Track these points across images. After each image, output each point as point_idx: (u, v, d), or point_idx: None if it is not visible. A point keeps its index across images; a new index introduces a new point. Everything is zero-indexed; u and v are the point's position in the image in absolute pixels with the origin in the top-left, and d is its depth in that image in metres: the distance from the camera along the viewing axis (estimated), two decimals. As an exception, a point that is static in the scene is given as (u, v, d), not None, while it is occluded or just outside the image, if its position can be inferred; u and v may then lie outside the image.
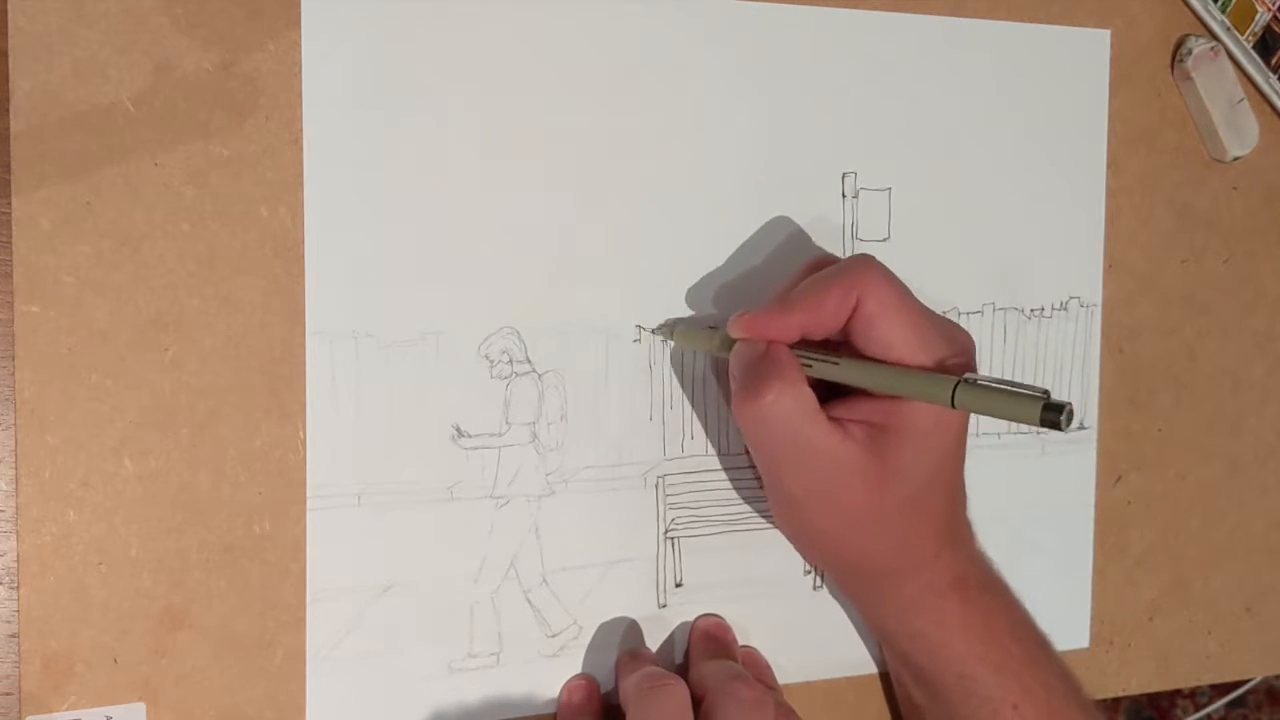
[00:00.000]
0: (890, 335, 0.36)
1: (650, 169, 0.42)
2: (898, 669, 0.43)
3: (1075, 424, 0.49)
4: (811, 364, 0.37)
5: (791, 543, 0.42)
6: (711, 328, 0.42)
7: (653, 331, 0.42)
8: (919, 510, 0.38)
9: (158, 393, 0.37)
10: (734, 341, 0.39)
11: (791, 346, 0.38)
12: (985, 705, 0.39)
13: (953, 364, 0.36)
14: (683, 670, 0.43)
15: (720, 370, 0.43)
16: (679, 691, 0.37)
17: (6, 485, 0.36)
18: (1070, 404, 0.31)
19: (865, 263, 0.37)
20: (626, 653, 0.42)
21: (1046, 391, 0.31)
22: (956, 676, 0.39)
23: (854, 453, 0.36)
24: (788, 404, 0.36)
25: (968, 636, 0.39)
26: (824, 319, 0.37)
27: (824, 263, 0.39)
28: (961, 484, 0.40)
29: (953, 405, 0.33)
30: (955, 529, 0.40)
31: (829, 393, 0.38)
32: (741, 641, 0.44)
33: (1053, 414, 0.31)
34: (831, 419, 0.37)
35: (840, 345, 0.38)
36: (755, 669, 0.42)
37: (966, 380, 0.33)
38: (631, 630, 0.43)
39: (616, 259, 0.42)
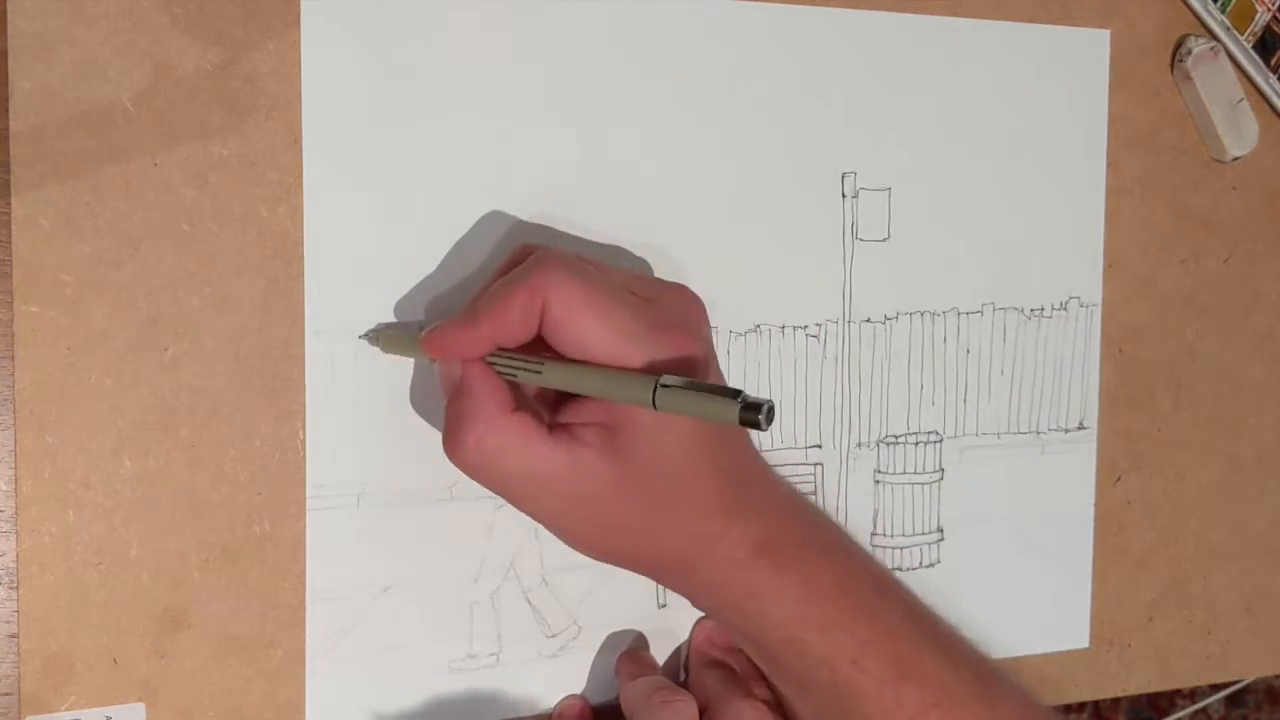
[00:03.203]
0: (583, 336, 0.33)
1: (650, 169, 0.42)
2: (751, 654, 0.41)
3: (1076, 423, 0.49)
4: (515, 373, 0.35)
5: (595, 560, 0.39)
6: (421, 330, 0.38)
7: (362, 337, 0.39)
8: (681, 495, 0.35)
9: (157, 393, 0.37)
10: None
11: (495, 356, 0.35)
12: (820, 666, 0.37)
13: (662, 350, 0.34)
14: (682, 673, 0.43)
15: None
16: (688, 710, 0.37)
17: (6, 485, 0.36)
18: (770, 402, 0.29)
19: (545, 262, 0.34)
20: (627, 654, 0.42)
21: (739, 391, 0.30)
22: (785, 642, 0.38)
23: (588, 460, 0.34)
24: (493, 442, 0.34)
25: (784, 600, 0.37)
26: (512, 329, 0.34)
27: (524, 254, 0.36)
28: (736, 451, 0.38)
29: (654, 407, 0.31)
30: (739, 498, 0.37)
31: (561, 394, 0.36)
32: (741, 641, 0.44)
33: (751, 413, 0.29)
34: (559, 425, 0.35)
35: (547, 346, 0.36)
36: (756, 677, 0.42)
37: (664, 384, 0.31)
38: (631, 630, 0.43)
39: (616, 259, 0.42)
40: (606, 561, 0.38)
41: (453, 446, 0.35)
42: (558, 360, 0.35)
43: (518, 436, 0.34)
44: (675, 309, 0.36)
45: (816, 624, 0.37)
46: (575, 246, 0.41)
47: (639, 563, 0.38)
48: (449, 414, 0.35)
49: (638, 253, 0.42)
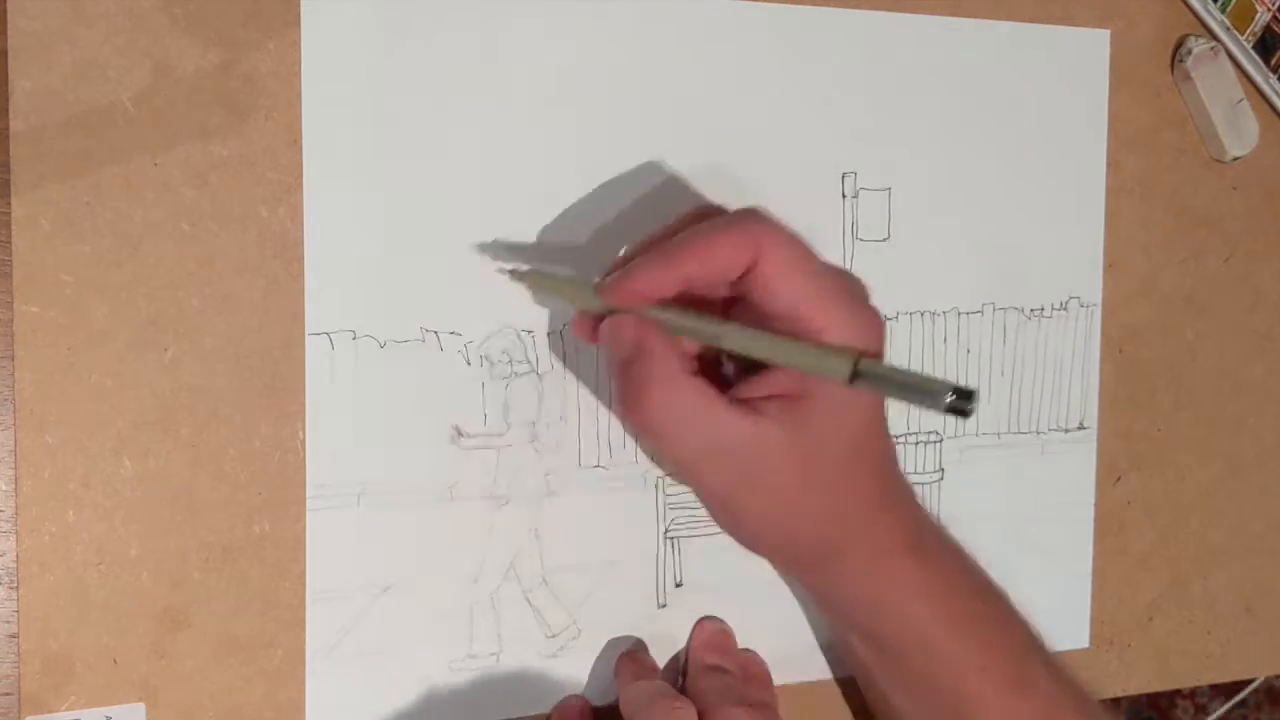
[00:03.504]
0: (795, 296, 0.33)
1: (650, 169, 0.42)
2: (856, 649, 0.41)
3: (1076, 423, 0.49)
4: (697, 333, 0.34)
5: (732, 537, 0.38)
6: (587, 282, 0.36)
7: (508, 273, 0.38)
8: (851, 477, 0.35)
9: (157, 393, 0.37)
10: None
11: (670, 313, 0.34)
12: (948, 667, 0.37)
13: (860, 321, 0.33)
14: (680, 677, 0.43)
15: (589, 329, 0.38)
16: (689, 718, 0.37)
17: (6, 485, 0.36)
18: (977, 390, 0.29)
19: (766, 217, 0.34)
20: (627, 655, 0.42)
21: (950, 384, 0.29)
22: (917, 641, 0.37)
23: (770, 432, 0.33)
24: (679, 402, 0.33)
25: (928, 597, 0.37)
26: (713, 272, 0.33)
27: (703, 214, 0.36)
28: (891, 443, 0.38)
29: (849, 384, 0.31)
30: (893, 490, 0.38)
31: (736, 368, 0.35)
32: (741, 642, 0.44)
33: (964, 401, 0.29)
34: (736, 400, 0.34)
35: (726, 304, 0.35)
36: (755, 681, 0.42)
37: (864, 365, 0.31)
38: (631, 630, 0.43)
39: (615, 258, 0.42)
40: (760, 547, 0.37)
41: (634, 406, 0.33)
42: (741, 325, 0.33)
43: (703, 398, 0.33)
44: (856, 282, 0.36)
45: (950, 625, 0.37)
46: (576, 245, 0.41)
47: (790, 549, 0.37)
48: (624, 376, 0.34)
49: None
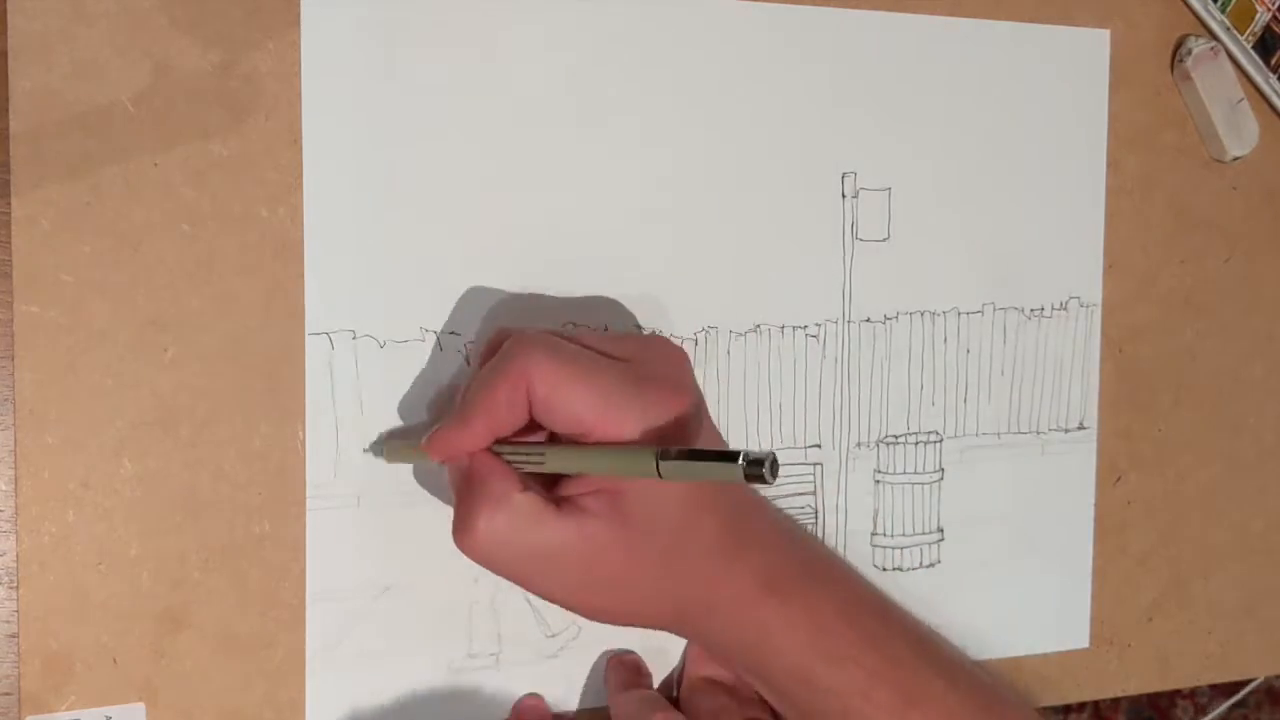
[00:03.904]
0: (573, 411, 0.34)
1: (650, 169, 0.42)
2: (760, 690, 0.41)
3: (1076, 423, 0.49)
4: (522, 465, 0.35)
5: (610, 624, 0.39)
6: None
7: (366, 450, 0.39)
8: (687, 541, 0.36)
9: (157, 393, 0.37)
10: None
11: (496, 445, 0.36)
12: (830, 699, 0.38)
13: (652, 408, 0.34)
14: (675, 689, 0.43)
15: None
16: None
17: (6, 485, 0.36)
18: (772, 454, 0.30)
19: (521, 347, 0.35)
20: (616, 660, 0.42)
21: (739, 453, 0.30)
22: (796, 679, 0.38)
23: (594, 528, 0.34)
24: (503, 522, 0.34)
25: (793, 634, 0.37)
26: (504, 419, 0.35)
27: (499, 339, 0.37)
28: (731, 490, 0.38)
29: (659, 477, 0.32)
30: (740, 536, 0.38)
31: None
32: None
33: (756, 469, 0.30)
34: (564, 499, 0.35)
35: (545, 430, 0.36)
36: (750, 704, 0.41)
37: (664, 456, 0.31)
38: (631, 630, 0.43)
39: (616, 259, 0.42)
40: (625, 624, 0.38)
41: (463, 534, 0.34)
42: (558, 445, 0.35)
43: (528, 514, 0.34)
44: (657, 362, 0.36)
45: (825, 657, 0.38)
46: (575, 246, 0.41)
47: (657, 618, 0.38)
48: (458, 505, 0.35)
49: (637, 252, 0.42)
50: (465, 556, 0.35)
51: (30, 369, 0.36)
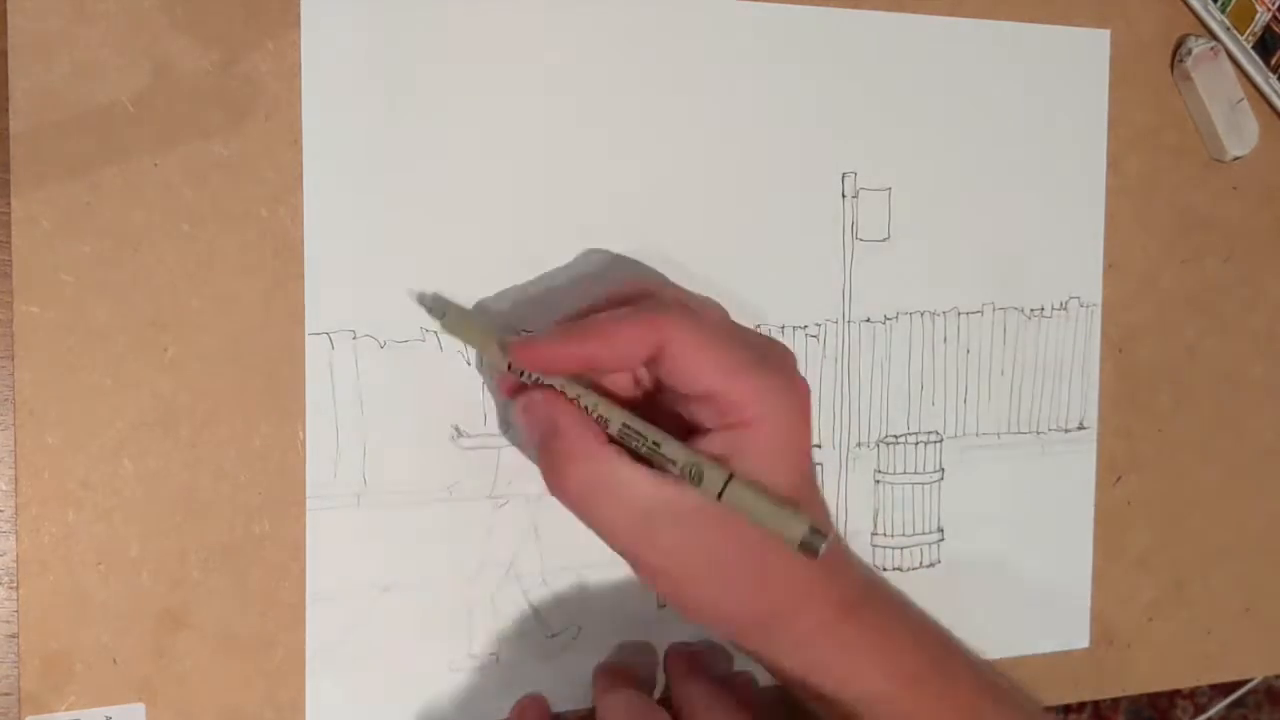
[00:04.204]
0: (700, 367, 0.34)
1: (650, 169, 0.42)
2: (813, 710, 0.41)
3: (1076, 423, 0.49)
4: (604, 422, 0.35)
5: (674, 607, 0.38)
6: (501, 336, 0.37)
7: (424, 305, 0.39)
8: (780, 551, 0.35)
9: (157, 393, 0.37)
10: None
11: (578, 389, 0.36)
12: None
13: (770, 398, 0.34)
14: (660, 681, 0.43)
15: (496, 387, 0.40)
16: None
17: (6, 485, 0.36)
18: (835, 533, 0.31)
19: (664, 302, 0.35)
20: (603, 669, 0.42)
21: (808, 520, 0.32)
22: (867, 703, 0.38)
23: (695, 498, 0.34)
24: (600, 480, 0.34)
25: (872, 658, 0.38)
26: (616, 352, 0.35)
27: (634, 290, 0.37)
28: (822, 504, 0.38)
29: (717, 498, 0.33)
30: (829, 554, 0.38)
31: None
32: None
33: (816, 538, 0.32)
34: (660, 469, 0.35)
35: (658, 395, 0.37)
36: (739, 689, 0.41)
37: (733, 483, 0.33)
38: (631, 630, 0.43)
39: (616, 259, 0.42)
40: (702, 615, 0.37)
41: (557, 484, 0.35)
42: (641, 420, 0.35)
43: (623, 469, 0.34)
44: (775, 349, 0.37)
45: (900, 681, 0.38)
46: (575, 245, 0.41)
47: (735, 617, 0.37)
48: (544, 454, 0.35)
49: (638, 252, 0.42)
50: (563, 504, 0.35)
51: (30, 369, 0.36)
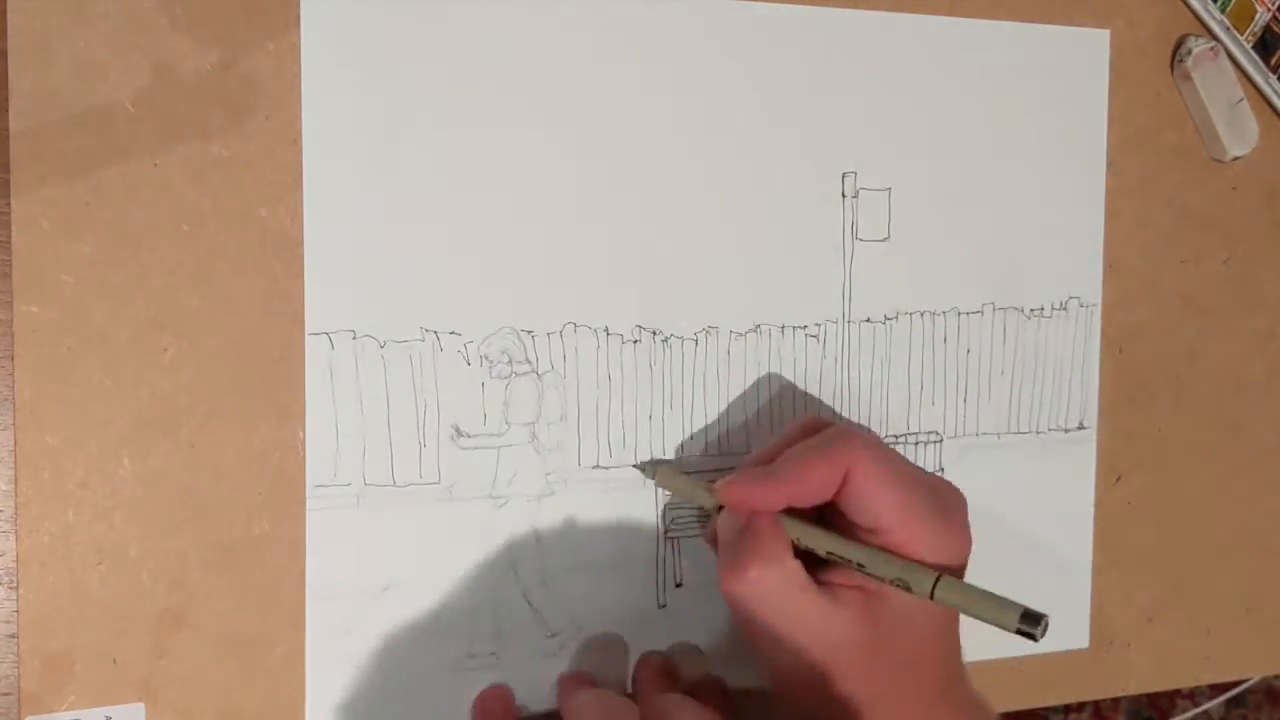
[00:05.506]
0: (879, 509, 0.36)
1: (650, 169, 0.42)
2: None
3: (1076, 423, 0.49)
4: (798, 537, 0.37)
5: (788, 710, 0.39)
6: (707, 482, 0.40)
7: (636, 466, 0.42)
8: (917, 669, 0.37)
9: (157, 393, 0.37)
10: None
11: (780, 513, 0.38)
12: None
13: (942, 534, 0.37)
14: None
15: (712, 534, 0.41)
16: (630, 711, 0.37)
17: (6, 485, 0.36)
18: (1047, 617, 0.33)
19: (850, 437, 0.37)
20: (569, 677, 0.42)
21: (1021, 607, 0.33)
22: None
23: (846, 623, 0.36)
24: (772, 580, 0.36)
25: None
26: (810, 491, 0.37)
27: (815, 426, 0.39)
28: (957, 646, 0.39)
29: (929, 597, 0.35)
30: (954, 689, 0.39)
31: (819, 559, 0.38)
32: (740, 641, 0.44)
33: (1030, 624, 0.33)
34: (823, 583, 0.37)
35: (828, 508, 0.38)
36: (710, 696, 0.41)
37: (945, 579, 0.35)
38: (631, 630, 0.43)
39: (616, 258, 0.42)
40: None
41: (732, 574, 0.36)
42: (840, 535, 0.37)
43: (794, 579, 0.36)
44: (950, 497, 0.38)
45: None
46: (575, 245, 0.41)
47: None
48: (729, 549, 0.37)
49: (638, 252, 0.42)
50: (726, 599, 0.37)
51: (30, 369, 0.36)
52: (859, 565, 0.36)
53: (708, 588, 0.43)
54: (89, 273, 0.36)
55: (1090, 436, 0.49)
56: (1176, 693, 0.53)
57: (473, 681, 0.41)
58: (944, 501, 0.38)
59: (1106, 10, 0.48)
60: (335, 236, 0.38)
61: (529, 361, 0.41)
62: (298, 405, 0.38)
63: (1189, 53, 0.49)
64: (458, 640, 0.41)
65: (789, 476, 0.37)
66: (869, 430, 0.39)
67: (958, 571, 0.37)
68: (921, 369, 0.46)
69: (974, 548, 0.40)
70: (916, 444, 0.46)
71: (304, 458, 0.38)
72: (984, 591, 0.34)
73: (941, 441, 0.47)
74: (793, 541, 0.37)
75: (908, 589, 0.35)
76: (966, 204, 0.46)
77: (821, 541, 0.37)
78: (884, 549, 0.36)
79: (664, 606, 0.43)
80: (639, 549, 0.43)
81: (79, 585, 0.36)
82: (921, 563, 0.36)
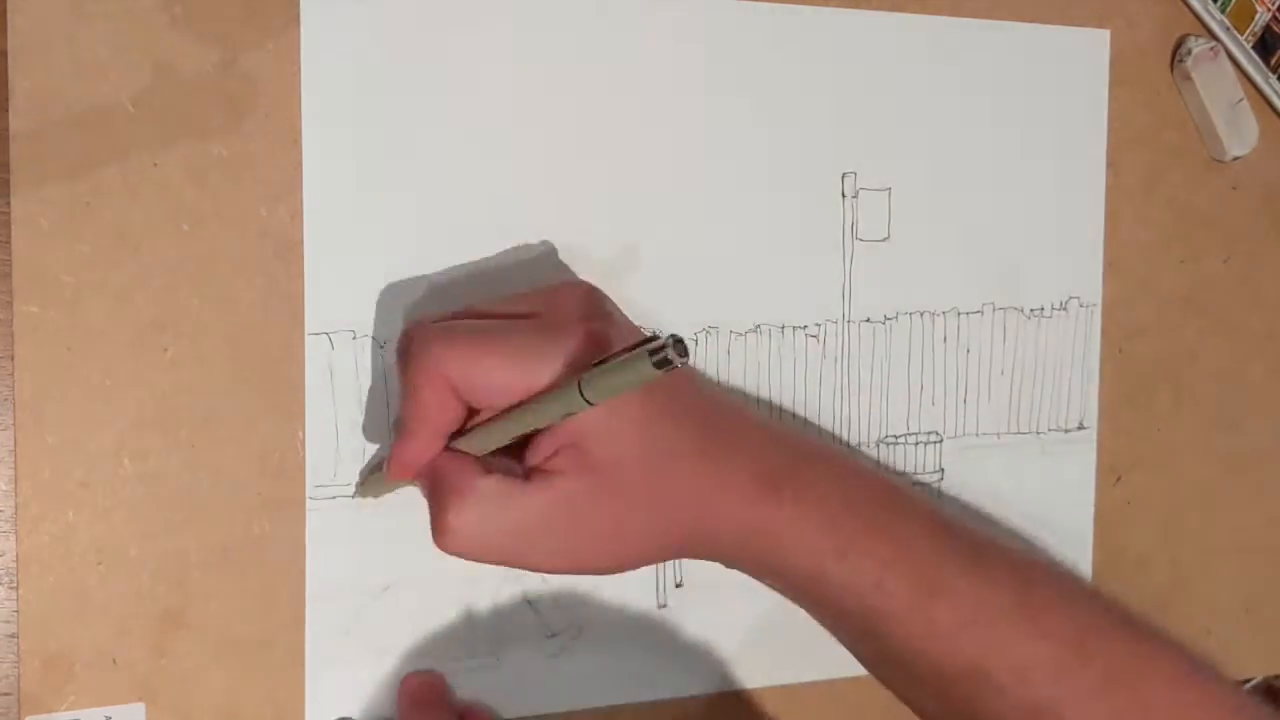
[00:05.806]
0: (495, 382, 0.33)
1: (650, 169, 0.42)
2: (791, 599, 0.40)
3: (1076, 423, 0.49)
4: (468, 448, 0.35)
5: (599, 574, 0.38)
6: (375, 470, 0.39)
7: (353, 496, 0.39)
8: (667, 465, 0.35)
9: (157, 393, 0.37)
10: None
11: (453, 442, 0.35)
12: (845, 594, 0.36)
13: (567, 350, 0.33)
14: None
15: None
16: None
17: (6, 485, 0.36)
18: (672, 337, 0.28)
19: (421, 343, 0.34)
20: (411, 676, 0.40)
21: (646, 339, 0.29)
22: (808, 577, 0.36)
23: (569, 486, 0.34)
24: (473, 512, 0.34)
25: (797, 533, 0.36)
26: (442, 417, 0.34)
27: (404, 347, 0.36)
28: (699, 402, 0.37)
29: (588, 404, 0.31)
30: (722, 441, 0.36)
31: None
32: (740, 642, 0.44)
33: (661, 356, 0.29)
34: (532, 469, 0.34)
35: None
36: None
37: (583, 379, 0.31)
38: (631, 630, 0.43)
39: (616, 258, 0.42)
40: (631, 568, 0.37)
41: (440, 534, 0.34)
42: (494, 421, 0.34)
43: (496, 496, 0.34)
44: (562, 308, 0.36)
45: (834, 552, 0.36)
46: (575, 245, 0.41)
47: (665, 550, 0.37)
48: (430, 510, 0.35)
49: (638, 252, 0.42)
50: (452, 557, 0.34)
51: (30, 369, 0.36)
52: (532, 430, 0.34)
53: (708, 588, 0.43)
54: (89, 273, 0.36)
55: (1090, 436, 0.49)
56: (1176, 693, 0.53)
57: (473, 682, 0.41)
58: (553, 320, 0.35)
59: (1106, 10, 0.48)
60: (335, 236, 0.38)
61: (529, 361, 0.41)
62: (298, 405, 0.38)
63: (1189, 53, 0.49)
64: (458, 640, 0.41)
65: (412, 419, 0.34)
66: (445, 322, 0.36)
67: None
68: (921, 369, 0.46)
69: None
70: (916, 444, 0.46)
71: (304, 458, 0.38)
72: (619, 362, 0.30)
73: (941, 441, 0.47)
74: (482, 460, 0.35)
75: (572, 413, 0.32)
76: (966, 204, 0.46)
77: (488, 439, 0.34)
78: (521, 403, 0.34)
79: (664, 606, 0.43)
80: (639, 549, 0.42)
81: (79, 585, 0.36)
82: (553, 385, 0.33)
